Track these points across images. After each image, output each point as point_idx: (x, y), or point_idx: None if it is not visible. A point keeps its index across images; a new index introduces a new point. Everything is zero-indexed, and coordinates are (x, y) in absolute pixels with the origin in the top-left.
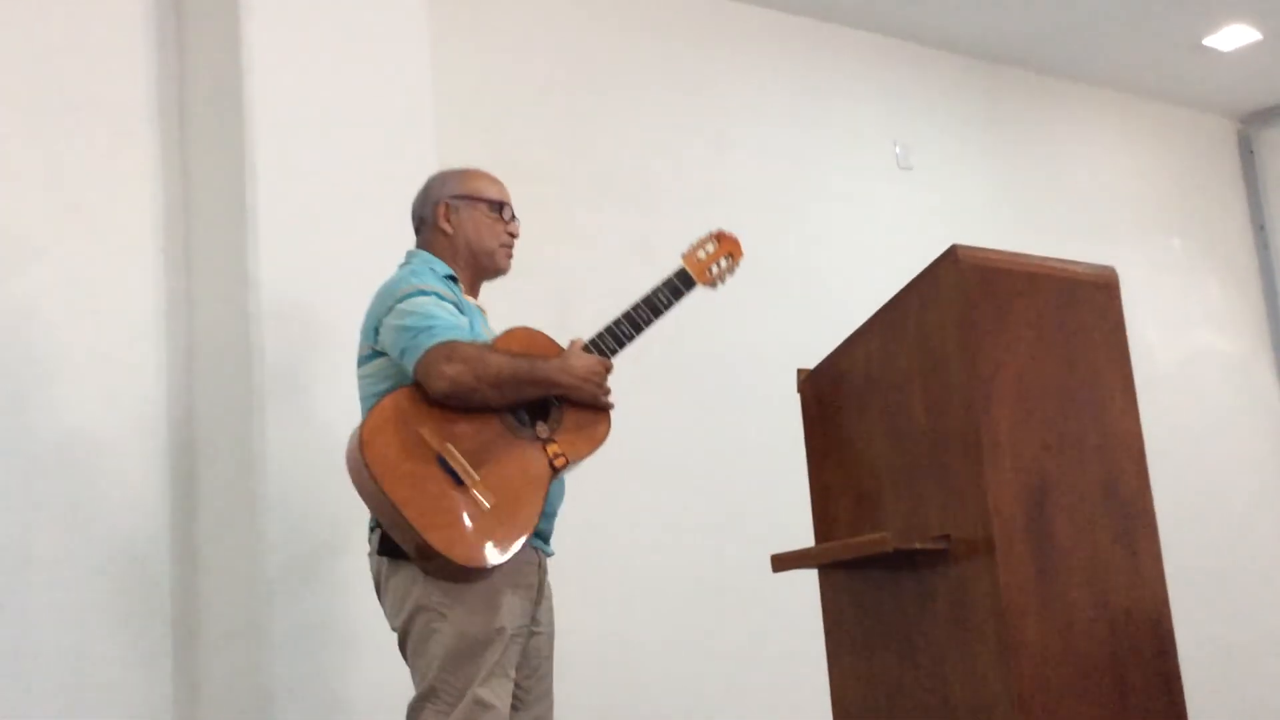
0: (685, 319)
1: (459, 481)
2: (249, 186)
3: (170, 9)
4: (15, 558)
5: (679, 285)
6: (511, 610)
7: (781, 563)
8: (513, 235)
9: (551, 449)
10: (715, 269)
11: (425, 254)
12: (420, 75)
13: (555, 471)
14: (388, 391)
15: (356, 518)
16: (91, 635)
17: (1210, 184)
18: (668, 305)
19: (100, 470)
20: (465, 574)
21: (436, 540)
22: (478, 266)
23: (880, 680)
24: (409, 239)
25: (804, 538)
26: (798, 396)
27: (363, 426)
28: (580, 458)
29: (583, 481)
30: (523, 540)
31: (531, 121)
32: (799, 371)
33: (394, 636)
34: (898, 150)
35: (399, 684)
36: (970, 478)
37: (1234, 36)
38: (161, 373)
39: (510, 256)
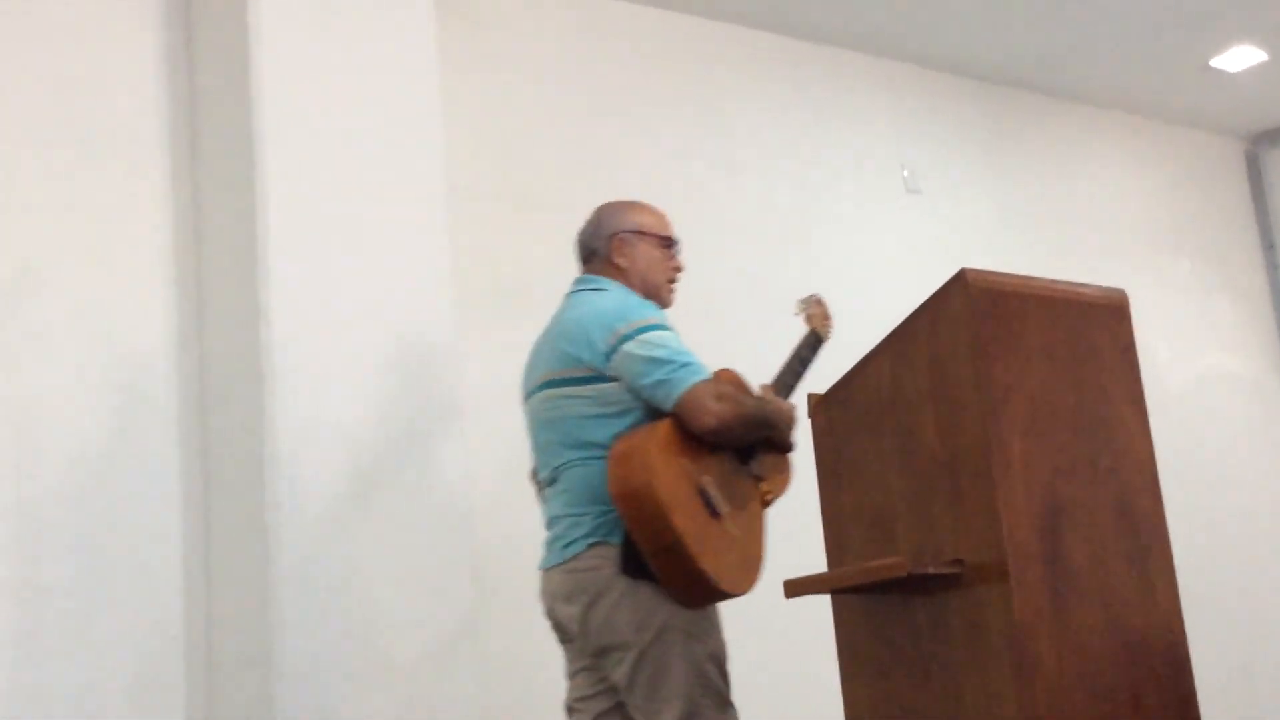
0: (695, 343)
1: (714, 512)
2: (259, 216)
3: (181, 42)
4: (27, 589)
5: (815, 342)
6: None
7: (795, 588)
8: (678, 270)
9: (763, 486)
10: (824, 326)
11: (613, 281)
12: (430, 104)
13: (765, 507)
14: (609, 416)
15: (368, 550)
16: (104, 667)
17: (1219, 204)
18: (812, 358)
19: (112, 500)
20: (717, 599)
21: (710, 567)
22: (646, 299)
23: (895, 704)
24: (419, 268)
25: (817, 562)
26: (809, 421)
27: (645, 453)
28: (779, 496)
29: None
30: (760, 571)
31: (540, 148)
32: (810, 396)
33: (404, 668)
34: (906, 173)
35: (410, 713)
36: (983, 501)
37: (1241, 57)
38: (173, 402)
39: (674, 291)
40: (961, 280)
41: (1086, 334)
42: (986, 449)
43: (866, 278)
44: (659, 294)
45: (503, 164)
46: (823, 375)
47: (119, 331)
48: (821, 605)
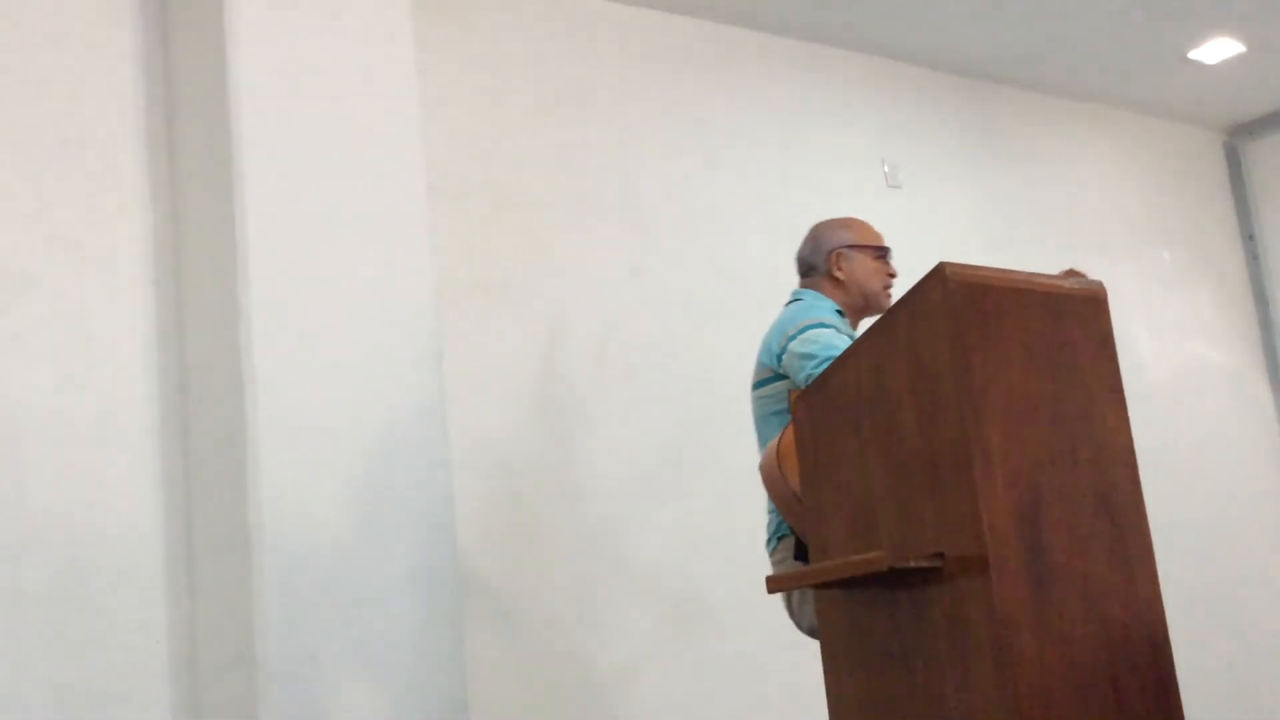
0: (677, 340)
1: None
2: (238, 217)
3: (157, 42)
4: (8, 591)
5: None
6: None
7: (777, 583)
8: (892, 276)
9: None
10: None
11: (813, 291)
12: (408, 103)
13: None
14: (783, 412)
15: (352, 548)
16: (87, 668)
17: (1198, 196)
18: None
19: (93, 502)
20: None
21: None
22: (865, 307)
23: (878, 697)
24: (399, 266)
25: None
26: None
27: (780, 442)
28: None
29: (578, 503)
30: None
31: (519, 146)
32: (790, 391)
33: (388, 667)
34: (886, 168)
35: (396, 712)
36: (963, 494)
37: (1218, 49)
38: (153, 404)
39: (890, 296)
40: (940, 274)
41: (1065, 326)
42: (966, 442)
43: None
44: (877, 300)
45: (482, 162)
46: None
47: (98, 333)
48: None
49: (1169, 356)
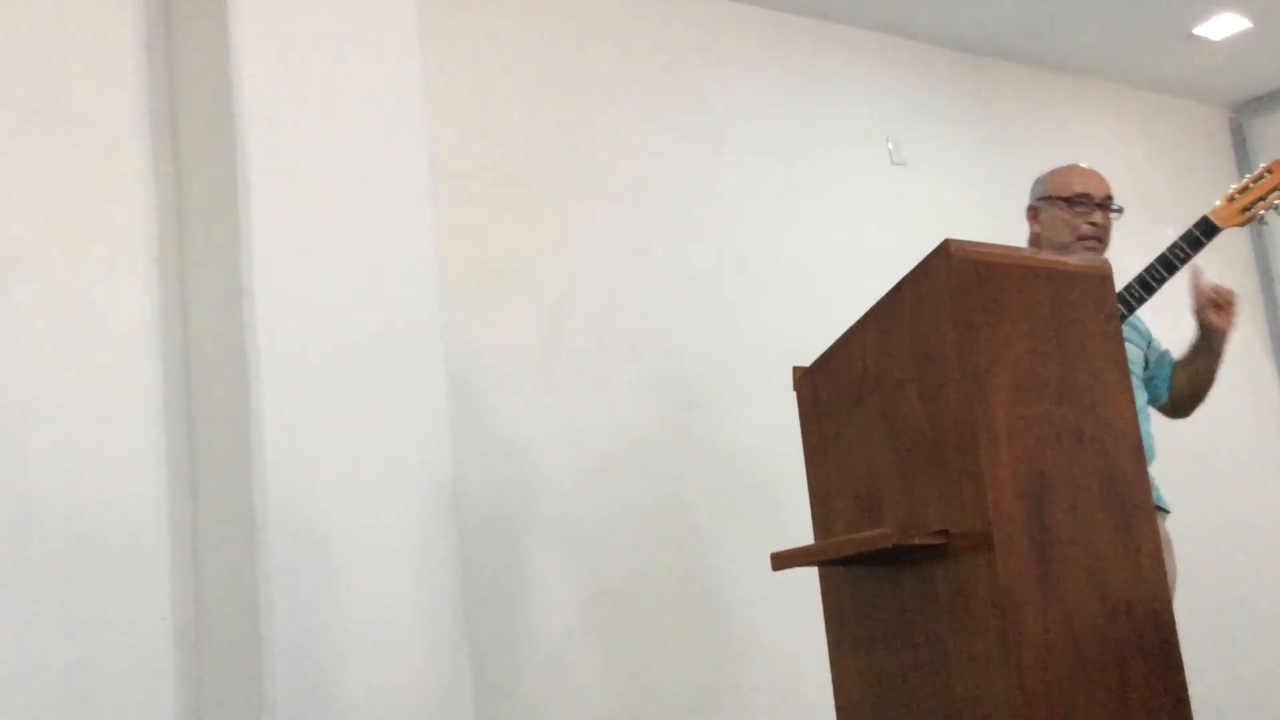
0: (681, 319)
1: None
2: (241, 196)
3: (159, 20)
4: (14, 571)
5: (1198, 236)
6: None
7: (781, 561)
8: (1092, 224)
9: None
10: (1258, 204)
11: None
12: (411, 82)
13: None
14: None
15: (356, 528)
16: (92, 647)
17: (1203, 173)
18: (1184, 259)
19: (97, 482)
20: None
21: None
22: None
23: (883, 676)
24: (401, 246)
25: (803, 535)
26: (794, 394)
27: None
28: None
29: (581, 482)
30: None
31: (523, 125)
32: (795, 369)
33: (393, 645)
34: (890, 146)
35: (401, 692)
36: (968, 472)
37: (1224, 25)
38: (157, 384)
39: (1089, 248)
40: (944, 251)
41: (1070, 304)
42: (970, 420)
43: (851, 250)
44: (1068, 253)
45: (485, 142)
46: (807, 348)
47: (101, 314)
48: (809, 578)
49: (1173, 334)
